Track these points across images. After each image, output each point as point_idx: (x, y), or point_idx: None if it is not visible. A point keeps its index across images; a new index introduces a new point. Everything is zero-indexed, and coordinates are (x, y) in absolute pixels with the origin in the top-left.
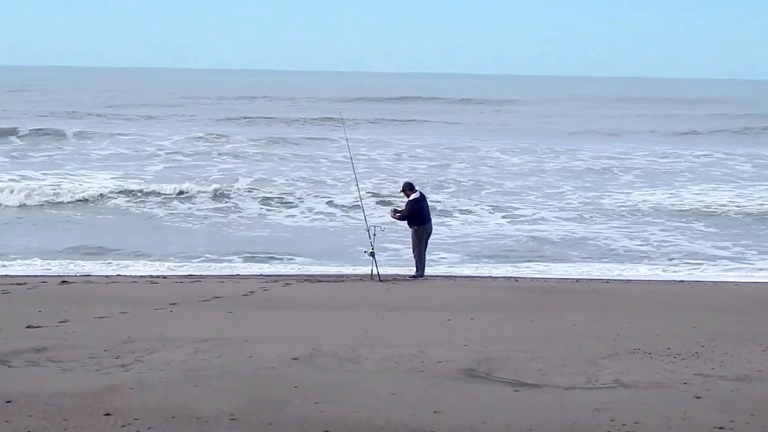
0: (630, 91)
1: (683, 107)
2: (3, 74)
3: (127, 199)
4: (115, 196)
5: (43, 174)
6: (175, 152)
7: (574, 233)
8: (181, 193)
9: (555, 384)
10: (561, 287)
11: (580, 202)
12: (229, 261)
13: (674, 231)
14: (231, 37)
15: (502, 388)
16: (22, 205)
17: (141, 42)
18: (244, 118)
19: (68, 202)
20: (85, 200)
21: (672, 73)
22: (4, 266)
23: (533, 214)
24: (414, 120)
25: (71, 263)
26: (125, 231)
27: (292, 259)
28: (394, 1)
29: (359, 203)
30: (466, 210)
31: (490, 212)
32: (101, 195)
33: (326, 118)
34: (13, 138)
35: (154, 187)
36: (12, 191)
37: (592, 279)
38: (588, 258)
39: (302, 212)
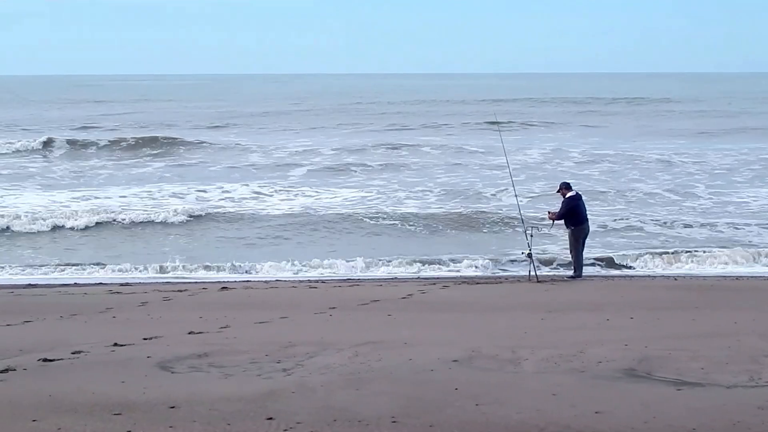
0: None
1: None
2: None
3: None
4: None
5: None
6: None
7: None
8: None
9: (717, 382)
10: (721, 285)
11: None
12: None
13: None
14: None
15: (664, 388)
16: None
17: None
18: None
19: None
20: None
21: None
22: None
23: None
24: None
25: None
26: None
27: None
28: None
29: (516, 205)
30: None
31: None
32: None
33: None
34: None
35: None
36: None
37: (753, 276)
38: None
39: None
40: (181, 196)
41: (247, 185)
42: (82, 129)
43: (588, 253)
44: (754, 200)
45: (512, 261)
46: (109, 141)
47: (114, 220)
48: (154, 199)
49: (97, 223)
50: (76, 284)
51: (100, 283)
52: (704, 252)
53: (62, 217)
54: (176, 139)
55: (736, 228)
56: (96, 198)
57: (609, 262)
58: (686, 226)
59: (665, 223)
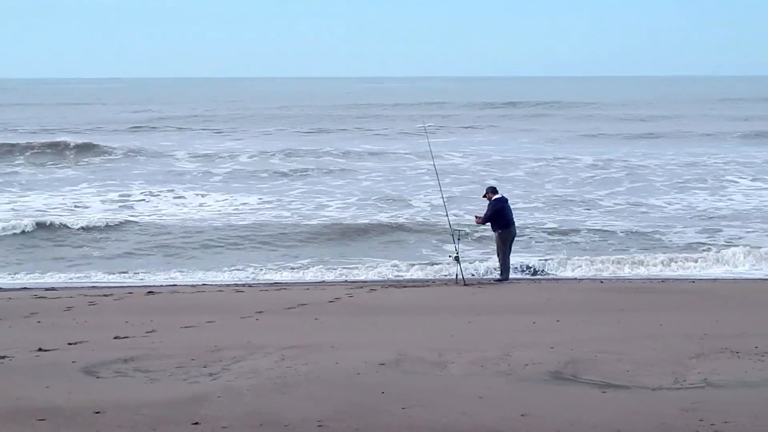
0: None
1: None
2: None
3: None
4: None
5: None
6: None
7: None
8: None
9: (643, 385)
10: (646, 287)
11: None
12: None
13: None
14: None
15: (590, 390)
16: None
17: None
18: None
19: None
20: None
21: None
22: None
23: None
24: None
25: None
26: None
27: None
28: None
29: (443, 207)
30: None
31: None
32: None
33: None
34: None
35: None
36: None
37: (678, 279)
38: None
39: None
40: (86, 204)
41: (149, 191)
42: None
43: (514, 257)
44: (669, 204)
45: (439, 264)
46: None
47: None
48: (64, 204)
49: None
50: (0, 289)
51: (25, 288)
52: (627, 255)
53: None
54: (87, 144)
55: (660, 231)
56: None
57: (533, 268)
58: (605, 228)
59: (586, 225)
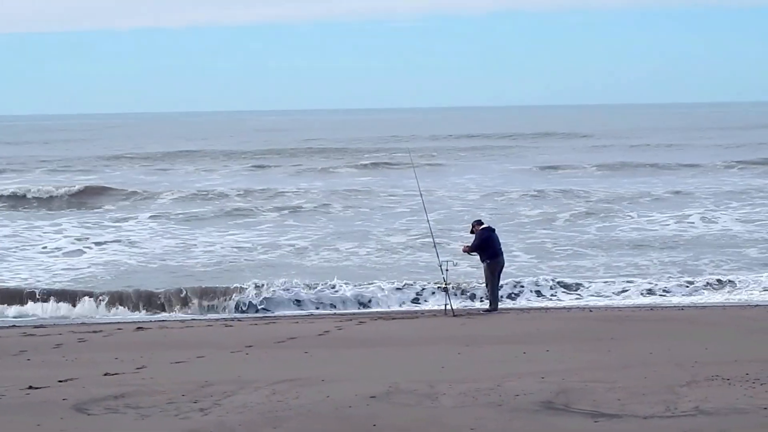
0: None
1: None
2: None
3: None
4: None
5: None
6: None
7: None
8: None
9: (634, 413)
10: (636, 316)
11: None
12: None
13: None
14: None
15: (582, 420)
16: None
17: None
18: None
19: None
20: None
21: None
22: None
23: None
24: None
25: None
26: None
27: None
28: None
29: (431, 238)
30: None
31: None
32: None
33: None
34: None
35: None
36: None
37: (666, 307)
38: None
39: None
40: None
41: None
42: None
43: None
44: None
45: (426, 295)
46: None
47: None
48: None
49: None
50: None
51: (14, 326)
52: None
53: None
54: None
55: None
56: None
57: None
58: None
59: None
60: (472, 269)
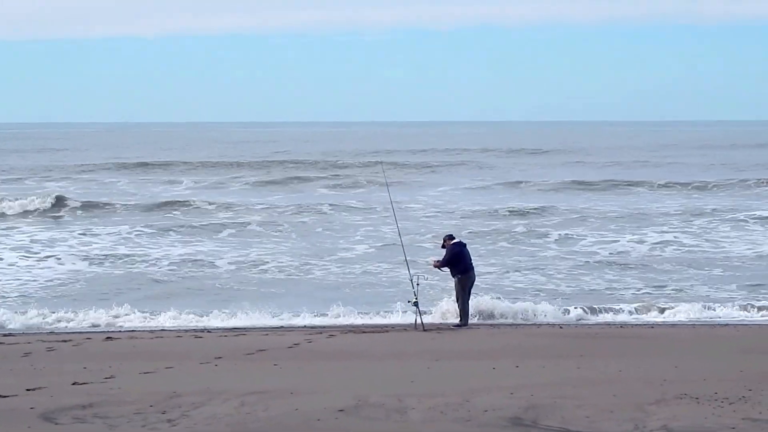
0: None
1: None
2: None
3: None
4: None
5: None
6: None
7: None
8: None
9: (603, 431)
10: (605, 333)
11: None
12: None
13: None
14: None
15: None
16: None
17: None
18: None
19: None
20: None
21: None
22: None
23: None
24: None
25: None
26: None
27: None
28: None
29: (403, 254)
30: None
31: None
32: None
33: None
34: None
35: None
36: None
37: (636, 324)
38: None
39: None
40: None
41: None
42: None
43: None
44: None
45: (396, 310)
46: None
47: None
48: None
49: None
50: None
51: None
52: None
53: None
54: None
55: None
56: None
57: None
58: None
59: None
60: (443, 283)
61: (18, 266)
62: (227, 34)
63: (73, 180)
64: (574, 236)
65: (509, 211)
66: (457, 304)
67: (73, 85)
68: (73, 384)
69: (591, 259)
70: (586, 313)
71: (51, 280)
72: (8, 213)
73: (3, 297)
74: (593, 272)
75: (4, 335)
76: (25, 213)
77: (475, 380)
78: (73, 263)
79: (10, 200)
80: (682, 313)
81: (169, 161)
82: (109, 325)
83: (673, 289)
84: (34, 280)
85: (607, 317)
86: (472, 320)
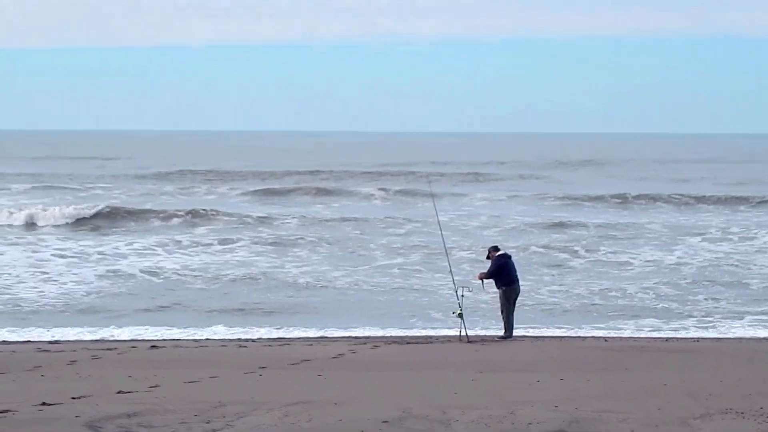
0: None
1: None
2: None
3: None
4: None
5: None
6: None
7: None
8: None
9: None
10: (651, 346)
11: None
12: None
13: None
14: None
15: None
16: None
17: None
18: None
19: None
20: None
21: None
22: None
23: None
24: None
25: None
26: None
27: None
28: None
29: (448, 265)
30: None
31: None
32: None
33: None
34: None
35: None
36: None
37: (682, 338)
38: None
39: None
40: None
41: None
42: None
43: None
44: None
45: (442, 321)
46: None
47: None
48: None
49: None
50: (4, 342)
51: (28, 341)
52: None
53: None
54: None
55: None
56: None
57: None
58: (608, 288)
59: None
60: (487, 296)
61: (70, 273)
62: (272, 44)
63: (125, 188)
64: (622, 250)
65: (561, 223)
66: (501, 316)
67: (129, 93)
68: (118, 392)
69: (641, 271)
70: (632, 326)
71: (98, 290)
72: (59, 222)
73: (52, 305)
74: (640, 285)
75: (50, 342)
76: (78, 222)
77: (519, 393)
78: (122, 272)
79: (62, 207)
80: (728, 327)
81: (228, 170)
82: (153, 334)
83: (718, 304)
84: (82, 287)
85: (652, 331)
86: (516, 332)
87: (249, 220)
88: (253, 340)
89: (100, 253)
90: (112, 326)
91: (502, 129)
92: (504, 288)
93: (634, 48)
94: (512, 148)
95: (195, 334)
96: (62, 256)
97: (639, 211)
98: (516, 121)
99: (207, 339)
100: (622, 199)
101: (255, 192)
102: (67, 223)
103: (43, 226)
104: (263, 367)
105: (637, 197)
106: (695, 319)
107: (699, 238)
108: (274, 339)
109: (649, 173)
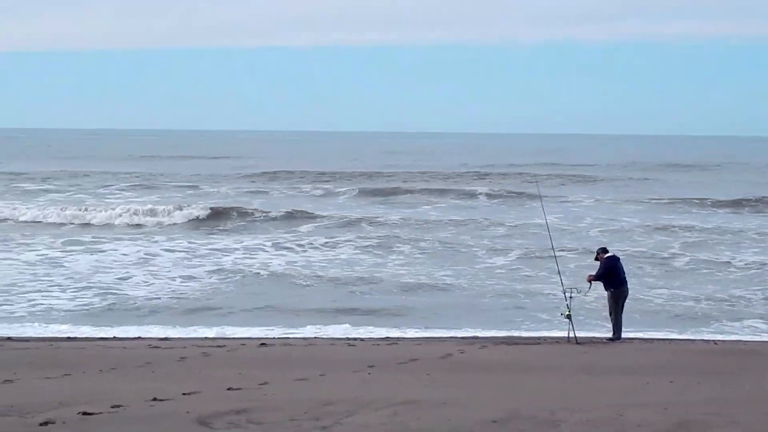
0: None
1: None
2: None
3: None
4: None
5: None
6: None
7: None
8: None
9: None
10: (763, 350)
11: None
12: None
13: None
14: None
15: None
16: None
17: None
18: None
19: None
20: None
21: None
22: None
23: None
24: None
25: None
26: None
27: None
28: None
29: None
30: None
31: None
32: None
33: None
34: None
35: None
36: None
37: None
38: None
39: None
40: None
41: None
42: None
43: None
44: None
45: (549, 321)
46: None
47: None
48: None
49: None
50: (115, 338)
51: (139, 338)
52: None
53: None
54: None
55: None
56: None
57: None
58: (715, 292)
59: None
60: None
61: (180, 270)
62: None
63: (235, 188)
64: (730, 254)
65: (668, 225)
66: (609, 318)
67: (228, 93)
68: (228, 389)
69: (747, 274)
70: (741, 329)
71: (208, 288)
72: (171, 221)
73: (163, 303)
74: (747, 287)
75: (161, 339)
76: (190, 222)
77: (628, 395)
78: (231, 270)
79: (177, 208)
80: None
81: (335, 170)
82: (263, 332)
83: None
84: (192, 284)
85: (763, 333)
86: (625, 334)
87: (353, 218)
88: (361, 339)
89: (209, 250)
90: (222, 324)
91: (610, 131)
92: (613, 290)
93: None
94: (616, 150)
95: (303, 332)
96: (172, 253)
97: (749, 215)
98: (619, 124)
99: (315, 337)
100: (733, 203)
101: (361, 191)
102: (175, 223)
103: (152, 225)
104: (371, 366)
105: (750, 201)
106: None
107: None
108: (383, 338)
109: (764, 178)
